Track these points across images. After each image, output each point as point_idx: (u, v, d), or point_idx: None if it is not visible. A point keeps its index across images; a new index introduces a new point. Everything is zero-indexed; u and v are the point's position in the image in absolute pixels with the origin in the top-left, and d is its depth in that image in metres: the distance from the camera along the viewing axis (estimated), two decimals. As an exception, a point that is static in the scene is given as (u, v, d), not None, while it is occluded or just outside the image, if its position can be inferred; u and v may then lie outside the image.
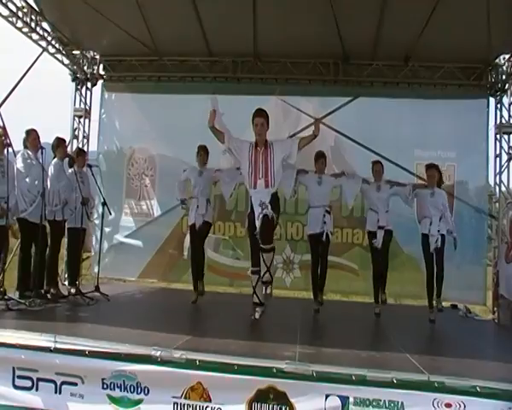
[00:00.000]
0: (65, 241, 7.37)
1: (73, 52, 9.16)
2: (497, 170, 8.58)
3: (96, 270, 7.66)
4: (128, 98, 9.43)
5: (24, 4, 7.68)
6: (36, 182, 6.02)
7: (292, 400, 3.72)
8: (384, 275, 6.71)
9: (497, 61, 8.54)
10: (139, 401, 3.89)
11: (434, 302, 6.41)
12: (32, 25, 7.91)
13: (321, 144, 8.32)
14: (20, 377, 4.04)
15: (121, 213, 9.28)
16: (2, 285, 5.83)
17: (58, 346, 4.02)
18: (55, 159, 6.60)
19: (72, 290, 6.74)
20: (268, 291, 5.44)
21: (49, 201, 6.30)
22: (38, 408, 3.99)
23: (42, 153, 6.04)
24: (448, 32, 7.38)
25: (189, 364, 3.85)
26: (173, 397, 3.84)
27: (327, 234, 6.47)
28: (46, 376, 4.01)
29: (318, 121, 5.67)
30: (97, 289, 6.88)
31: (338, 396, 3.69)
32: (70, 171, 6.68)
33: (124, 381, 3.90)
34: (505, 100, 8.56)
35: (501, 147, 8.54)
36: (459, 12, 6.91)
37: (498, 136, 8.56)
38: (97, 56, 9.48)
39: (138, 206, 9.32)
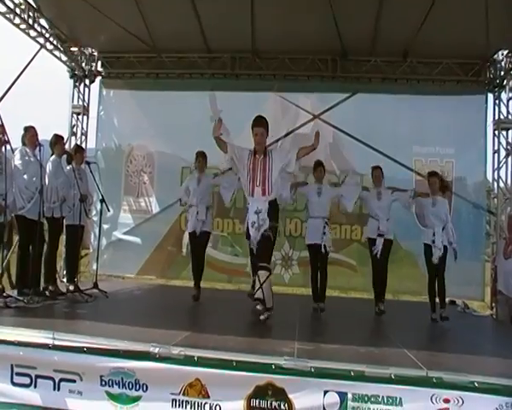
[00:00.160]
0: (63, 238, 7.36)
1: (71, 49, 9.15)
2: (496, 166, 8.58)
3: (94, 267, 7.67)
4: (126, 95, 9.42)
5: (21, 1, 7.65)
6: (34, 179, 6.01)
7: (290, 396, 3.73)
8: (383, 284, 6.65)
9: (495, 56, 8.53)
10: (138, 398, 3.90)
11: (440, 311, 6.36)
12: (30, 21, 7.89)
13: (319, 141, 8.34)
14: (18, 374, 4.04)
15: (120, 209, 9.28)
16: (0, 282, 5.83)
17: (56, 343, 4.03)
18: (53, 156, 6.58)
19: (71, 287, 6.75)
20: (259, 307, 5.26)
21: (48, 198, 6.29)
22: (37, 405, 4.00)
23: (40, 150, 6.04)
24: (446, 28, 7.37)
25: (188, 360, 3.86)
26: (172, 394, 3.85)
27: (325, 246, 6.45)
28: (44, 373, 4.01)
29: (318, 134, 5.66)
30: (96, 286, 6.87)
31: (336, 392, 3.71)
32: (68, 168, 6.67)
33: (122, 378, 3.91)
34: (503, 96, 8.55)
35: (499, 143, 8.53)
36: (457, 7, 6.91)
37: (497, 132, 8.55)
38: (95, 53, 9.45)
39: (137, 203, 9.32)
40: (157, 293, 8.34)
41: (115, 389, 3.92)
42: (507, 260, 7.16)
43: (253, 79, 9.05)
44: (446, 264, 6.46)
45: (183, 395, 3.84)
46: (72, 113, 9.41)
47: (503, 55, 8.45)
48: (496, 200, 8.63)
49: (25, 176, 6.03)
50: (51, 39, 8.57)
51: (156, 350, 3.90)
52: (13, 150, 6.41)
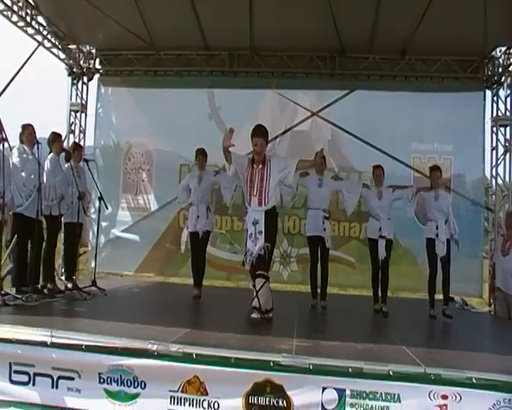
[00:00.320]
0: (61, 236, 7.34)
1: (69, 46, 9.14)
2: (494, 163, 8.59)
3: (92, 264, 7.68)
4: (124, 92, 9.41)
5: (19, -2, 7.64)
6: (32, 176, 5.99)
7: (289, 393, 3.73)
8: (385, 285, 6.58)
9: (493, 53, 8.54)
10: (136, 395, 3.90)
11: (443, 308, 6.37)
12: (28, 19, 7.88)
13: (318, 138, 8.36)
14: (16, 372, 4.04)
15: (118, 207, 9.28)
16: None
17: (55, 341, 4.02)
18: (51, 154, 6.57)
19: (69, 285, 6.73)
20: (255, 316, 5.23)
21: (46, 195, 6.28)
22: (35, 403, 3.99)
23: (38, 148, 6.02)
24: (444, 25, 7.38)
25: (186, 358, 3.86)
26: (170, 391, 3.85)
27: (327, 240, 6.45)
28: (43, 371, 4.01)
29: (320, 151, 5.76)
30: (94, 283, 6.86)
31: (335, 389, 3.71)
32: (66, 165, 6.65)
33: (121, 375, 3.91)
34: (501, 93, 8.58)
35: (497, 140, 8.55)
36: (455, 5, 6.93)
37: (495, 128, 8.57)
38: (93, 51, 9.44)
39: (135, 200, 9.32)
40: (155, 290, 8.33)
41: (114, 387, 3.92)
42: (505, 256, 7.16)
43: (252, 77, 9.04)
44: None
45: (182, 392, 3.84)
46: (71, 110, 9.41)
47: (501, 51, 8.47)
48: (494, 197, 8.64)
49: (23, 174, 6.02)
50: (49, 37, 8.56)
51: (154, 347, 3.90)
52: (11, 148, 6.40)
